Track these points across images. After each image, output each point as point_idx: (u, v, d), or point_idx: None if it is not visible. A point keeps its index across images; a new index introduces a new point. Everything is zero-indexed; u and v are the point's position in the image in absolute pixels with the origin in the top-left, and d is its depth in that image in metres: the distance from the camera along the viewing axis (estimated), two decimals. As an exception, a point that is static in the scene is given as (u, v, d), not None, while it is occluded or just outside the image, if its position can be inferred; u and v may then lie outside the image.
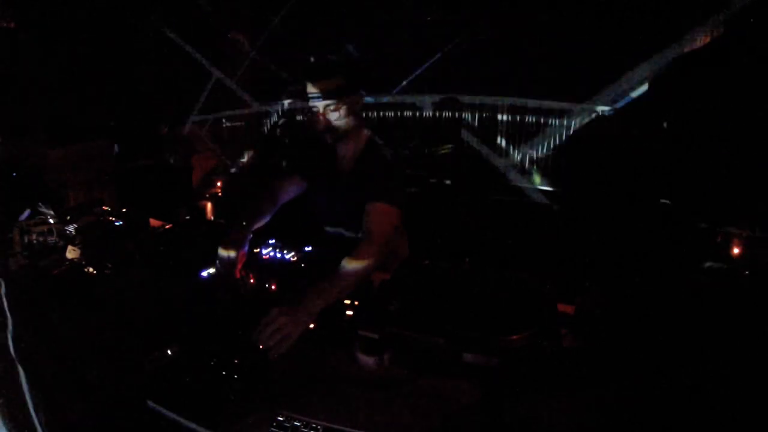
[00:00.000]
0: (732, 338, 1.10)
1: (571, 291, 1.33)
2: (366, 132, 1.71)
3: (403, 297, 1.25)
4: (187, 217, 2.25)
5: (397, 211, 1.54)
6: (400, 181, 1.61)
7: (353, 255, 1.37)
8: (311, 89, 1.55)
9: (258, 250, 1.63)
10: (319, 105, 1.56)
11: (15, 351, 1.15)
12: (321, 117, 1.58)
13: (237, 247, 1.50)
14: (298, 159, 1.85)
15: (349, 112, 1.60)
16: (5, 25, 3.45)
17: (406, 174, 1.67)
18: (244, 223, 1.61)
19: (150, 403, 0.97)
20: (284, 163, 1.91)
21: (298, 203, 1.84)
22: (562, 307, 1.29)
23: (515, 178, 5.02)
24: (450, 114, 5.29)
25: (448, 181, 4.41)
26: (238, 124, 5.80)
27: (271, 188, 1.79)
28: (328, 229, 1.80)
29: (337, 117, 1.57)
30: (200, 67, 5.02)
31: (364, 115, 1.76)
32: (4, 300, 1.27)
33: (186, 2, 4.70)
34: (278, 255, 1.61)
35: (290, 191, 1.81)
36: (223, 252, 1.48)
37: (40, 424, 0.94)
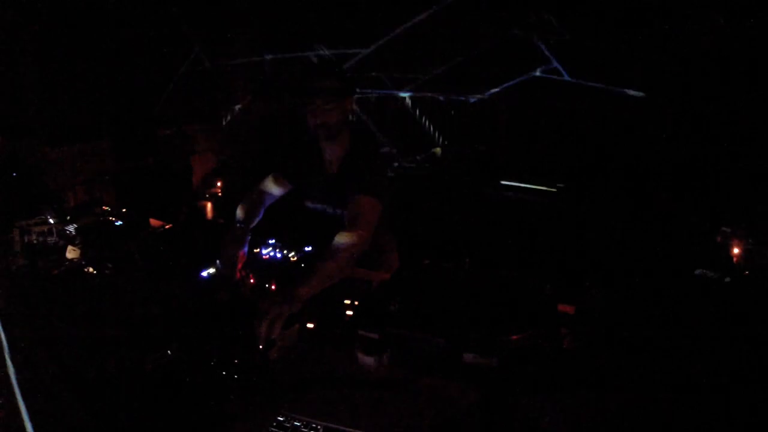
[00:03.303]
0: (732, 338, 1.10)
1: (571, 291, 1.33)
2: (350, 133, 1.70)
3: (403, 297, 1.25)
4: (187, 218, 2.25)
5: (380, 204, 1.55)
6: (383, 175, 1.66)
7: (336, 239, 1.39)
8: (311, 87, 1.56)
9: (258, 250, 1.63)
10: (317, 103, 1.56)
11: (14, 351, 1.15)
12: (316, 116, 1.58)
13: (237, 246, 1.50)
14: (284, 160, 1.83)
15: (343, 113, 1.61)
16: (6, 24, 3.45)
17: (387, 168, 1.77)
18: (240, 224, 1.61)
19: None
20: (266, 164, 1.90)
21: (300, 203, 1.84)
22: (562, 307, 1.28)
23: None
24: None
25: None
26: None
27: (257, 189, 1.78)
28: (309, 205, 1.81)
29: (331, 117, 1.58)
30: (202, 66, 5.02)
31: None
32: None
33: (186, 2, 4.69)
34: (278, 255, 1.62)
35: (274, 191, 1.78)
36: (223, 251, 1.48)
37: (40, 424, 0.94)
